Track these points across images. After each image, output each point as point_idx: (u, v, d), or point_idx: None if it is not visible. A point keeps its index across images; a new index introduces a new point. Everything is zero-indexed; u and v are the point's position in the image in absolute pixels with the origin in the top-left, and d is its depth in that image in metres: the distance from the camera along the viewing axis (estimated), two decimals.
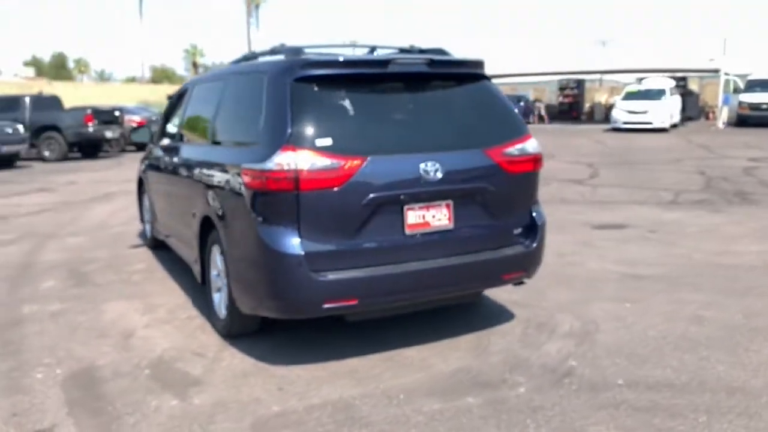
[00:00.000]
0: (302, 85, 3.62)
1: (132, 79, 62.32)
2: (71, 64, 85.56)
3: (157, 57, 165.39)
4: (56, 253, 6.82)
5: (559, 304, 4.85)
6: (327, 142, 3.48)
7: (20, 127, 16.55)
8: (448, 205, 3.80)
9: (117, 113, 19.77)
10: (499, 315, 4.62)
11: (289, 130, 3.48)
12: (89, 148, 19.17)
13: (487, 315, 4.62)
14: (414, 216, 3.70)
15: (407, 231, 3.69)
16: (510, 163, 3.98)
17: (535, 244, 4.13)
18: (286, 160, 3.41)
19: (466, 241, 3.90)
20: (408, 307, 3.99)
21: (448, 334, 4.23)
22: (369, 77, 3.82)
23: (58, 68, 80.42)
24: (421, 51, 4.46)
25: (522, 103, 31.74)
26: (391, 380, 3.60)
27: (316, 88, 3.64)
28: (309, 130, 3.50)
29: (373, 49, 4.39)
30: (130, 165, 14.63)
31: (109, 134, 18.97)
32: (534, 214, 4.19)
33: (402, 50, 4.44)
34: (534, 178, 4.21)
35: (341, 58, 3.79)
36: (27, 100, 18.45)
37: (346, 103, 3.68)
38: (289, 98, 3.57)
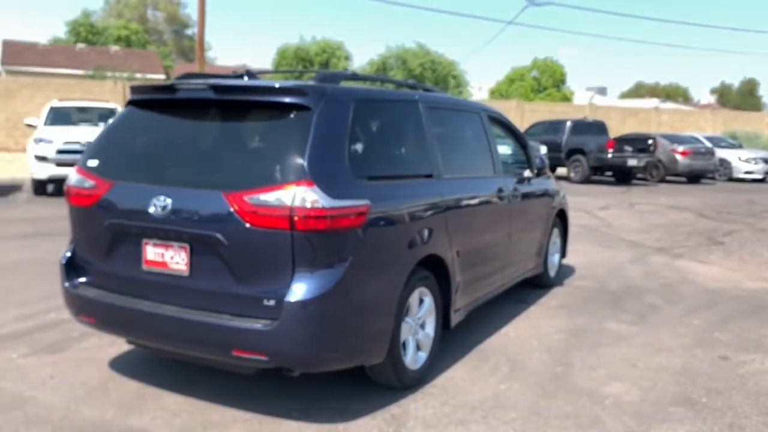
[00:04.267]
0: (125, 108, 3.85)
1: None
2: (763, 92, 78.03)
3: None
4: None
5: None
6: (94, 163, 3.64)
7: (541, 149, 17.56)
8: (185, 249, 3.27)
9: (650, 141, 18.90)
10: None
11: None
12: (620, 174, 19.05)
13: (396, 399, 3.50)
14: (152, 252, 3.37)
15: (144, 267, 3.40)
16: (253, 214, 3.06)
17: (272, 326, 3.04)
18: (71, 176, 3.73)
19: (202, 296, 3.26)
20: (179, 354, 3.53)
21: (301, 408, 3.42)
22: (162, 103, 3.70)
23: (744, 95, 77.04)
24: (333, 76, 3.69)
25: None
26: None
27: (126, 112, 3.83)
28: (91, 151, 3.73)
29: (239, 75, 4.17)
30: (639, 198, 14.44)
31: (632, 162, 18.32)
32: (294, 286, 3.04)
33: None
34: (296, 240, 3.03)
35: (144, 85, 3.79)
36: (568, 123, 19.86)
37: (131, 127, 3.77)
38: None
